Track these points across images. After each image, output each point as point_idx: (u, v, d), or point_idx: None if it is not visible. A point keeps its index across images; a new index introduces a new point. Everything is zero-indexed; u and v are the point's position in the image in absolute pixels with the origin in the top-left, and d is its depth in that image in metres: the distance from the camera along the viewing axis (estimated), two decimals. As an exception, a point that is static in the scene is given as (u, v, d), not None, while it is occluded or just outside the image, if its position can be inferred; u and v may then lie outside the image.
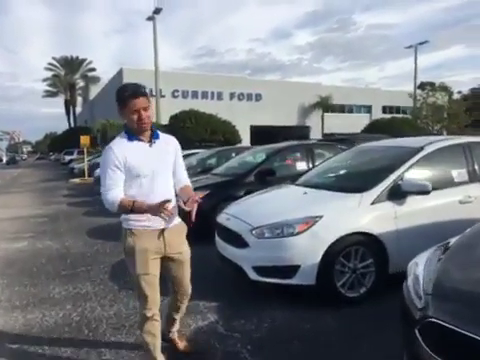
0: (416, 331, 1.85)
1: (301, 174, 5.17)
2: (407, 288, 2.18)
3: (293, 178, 5.00)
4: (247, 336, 3.05)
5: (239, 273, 3.76)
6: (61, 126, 68.98)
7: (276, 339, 3.02)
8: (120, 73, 33.12)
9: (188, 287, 2.68)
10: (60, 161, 36.62)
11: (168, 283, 2.67)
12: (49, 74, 49.98)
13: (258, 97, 37.19)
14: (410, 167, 3.83)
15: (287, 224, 3.51)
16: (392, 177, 3.73)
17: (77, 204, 11.11)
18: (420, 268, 2.21)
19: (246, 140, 30.28)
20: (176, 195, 2.51)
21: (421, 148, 4.02)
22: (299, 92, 37.64)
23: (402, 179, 3.72)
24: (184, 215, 2.60)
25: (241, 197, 5.11)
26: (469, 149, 4.13)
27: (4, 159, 58.40)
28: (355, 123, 34.65)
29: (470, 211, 3.79)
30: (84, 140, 19.55)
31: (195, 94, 34.67)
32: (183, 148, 2.84)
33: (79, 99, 53.22)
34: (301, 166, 6.68)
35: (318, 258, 3.39)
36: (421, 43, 29.36)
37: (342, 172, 4.97)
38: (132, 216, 2.36)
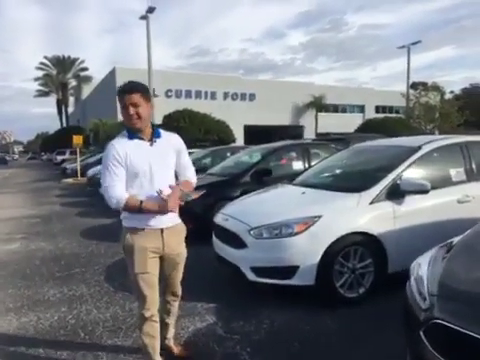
0: (421, 333, 1.83)
1: (298, 174, 5.14)
2: (410, 289, 2.16)
3: (290, 178, 4.97)
4: (246, 338, 3.02)
5: (237, 274, 3.72)
6: (53, 126, 68.48)
7: (276, 340, 2.99)
8: (113, 72, 32.92)
9: (178, 288, 2.67)
10: (52, 161, 36.26)
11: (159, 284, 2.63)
12: (41, 73, 49.54)
13: (252, 97, 37.20)
14: (408, 166, 3.82)
15: (286, 224, 3.48)
16: (391, 176, 3.72)
17: (70, 204, 11.00)
18: (424, 268, 2.19)
19: (240, 140, 30.24)
20: None
21: (419, 147, 4.01)
22: (292, 92, 37.70)
23: (401, 178, 3.71)
24: (184, 217, 2.57)
25: (237, 197, 5.08)
26: (467, 148, 4.13)
27: None
28: (348, 123, 34.77)
29: (468, 210, 3.79)
30: (77, 140, 19.38)
31: (189, 93, 34.59)
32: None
33: (71, 99, 52.82)
34: (297, 166, 6.67)
35: (317, 258, 3.36)
36: (414, 43, 29.42)
37: (340, 172, 4.94)
38: (133, 215, 2.34)
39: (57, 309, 3.71)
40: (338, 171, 4.97)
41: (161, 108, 25.45)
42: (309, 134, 34.63)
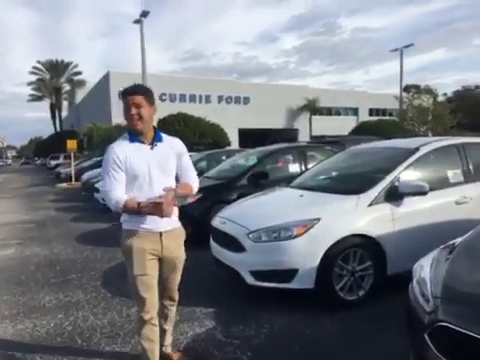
0: (426, 336, 1.81)
1: (294, 176, 5.13)
2: (413, 291, 2.14)
3: (287, 180, 4.96)
4: (246, 342, 2.99)
5: (236, 278, 3.69)
6: (46, 131, 67.88)
7: (276, 344, 2.96)
8: (107, 76, 32.83)
9: (176, 292, 2.65)
10: (46, 166, 36.01)
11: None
12: (34, 78, 49.22)
13: (246, 100, 37.26)
14: (406, 168, 3.82)
15: (285, 227, 3.46)
16: (389, 178, 3.72)
17: (65, 209, 10.90)
18: (426, 270, 2.17)
19: (235, 143, 30.23)
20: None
21: (416, 149, 4.01)
22: (286, 95, 37.80)
23: (399, 180, 3.70)
24: (183, 221, 2.55)
25: (234, 200, 5.05)
26: (464, 150, 4.14)
27: None
28: (342, 125, 34.92)
29: (466, 211, 3.80)
30: (71, 144, 19.25)
31: (183, 97, 34.55)
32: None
33: (65, 103, 52.48)
34: (294, 168, 6.66)
35: (316, 261, 3.34)
36: (406, 46, 29.64)
37: (338, 174, 4.93)
38: (132, 217, 2.33)
39: (53, 316, 3.66)
40: (335, 173, 4.96)
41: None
42: (303, 137, 34.71)
